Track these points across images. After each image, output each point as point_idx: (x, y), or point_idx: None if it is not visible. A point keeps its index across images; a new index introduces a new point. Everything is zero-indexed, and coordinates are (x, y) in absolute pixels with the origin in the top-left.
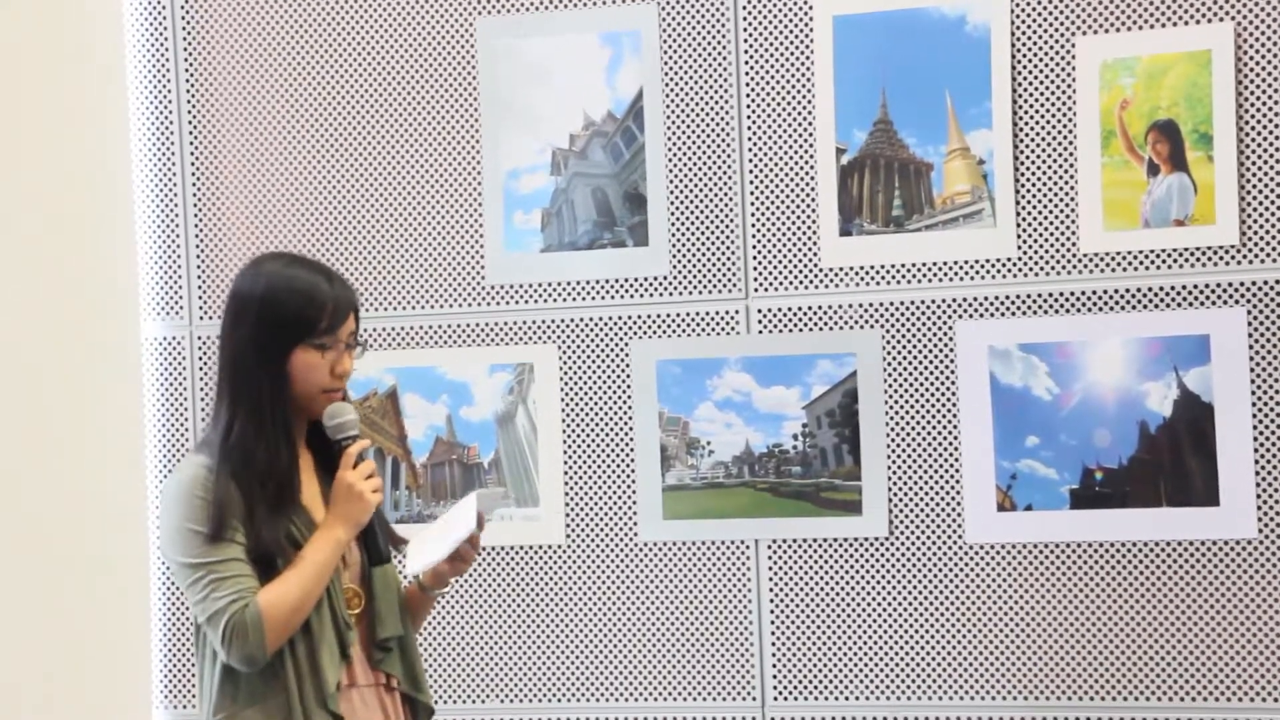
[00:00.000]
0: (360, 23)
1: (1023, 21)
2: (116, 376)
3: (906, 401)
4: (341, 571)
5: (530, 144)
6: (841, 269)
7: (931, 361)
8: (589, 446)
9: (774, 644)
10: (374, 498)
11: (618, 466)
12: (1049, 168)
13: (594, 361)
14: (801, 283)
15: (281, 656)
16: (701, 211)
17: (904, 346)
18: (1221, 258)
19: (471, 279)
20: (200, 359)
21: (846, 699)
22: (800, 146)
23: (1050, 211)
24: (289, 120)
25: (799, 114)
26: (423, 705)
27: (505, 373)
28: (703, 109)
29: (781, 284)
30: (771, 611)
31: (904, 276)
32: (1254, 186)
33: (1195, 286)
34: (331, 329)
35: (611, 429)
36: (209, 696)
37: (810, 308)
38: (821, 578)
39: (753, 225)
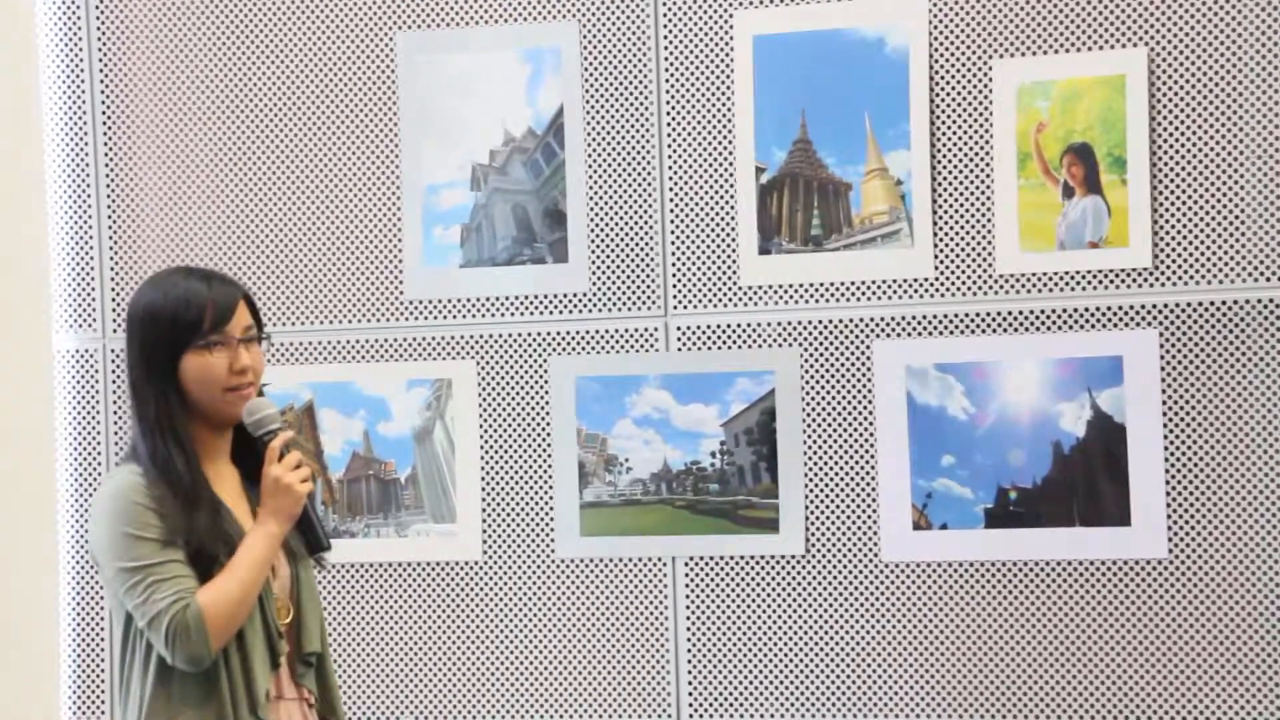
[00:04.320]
0: (279, 35)
1: (941, 44)
2: (27, 389)
3: (824, 420)
4: (270, 583)
5: (450, 159)
6: (760, 287)
7: (849, 380)
8: (507, 463)
9: (690, 661)
10: (303, 488)
11: (535, 483)
12: (966, 189)
13: (512, 378)
14: (720, 301)
15: (216, 662)
16: (621, 228)
17: (822, 365)
18: (1134, 280)
19: (390, 294)
20: (113, 371)
21: (762, 716)
22: (720, 165)
23: (967, 232)
24: (206, 131)
25: (719, 132)
26: None
27: (423, 388)
28: (623, 126)
29: (700, 302)
30: (688, 629)
31: (822, 295)
32: (1166, 210)
33: (1109, 308)
34: (217, 327)
35: (530, 445)
36: (139, 702)
37: (729, 326)
38: (738, 595)
39: (672, 243)
